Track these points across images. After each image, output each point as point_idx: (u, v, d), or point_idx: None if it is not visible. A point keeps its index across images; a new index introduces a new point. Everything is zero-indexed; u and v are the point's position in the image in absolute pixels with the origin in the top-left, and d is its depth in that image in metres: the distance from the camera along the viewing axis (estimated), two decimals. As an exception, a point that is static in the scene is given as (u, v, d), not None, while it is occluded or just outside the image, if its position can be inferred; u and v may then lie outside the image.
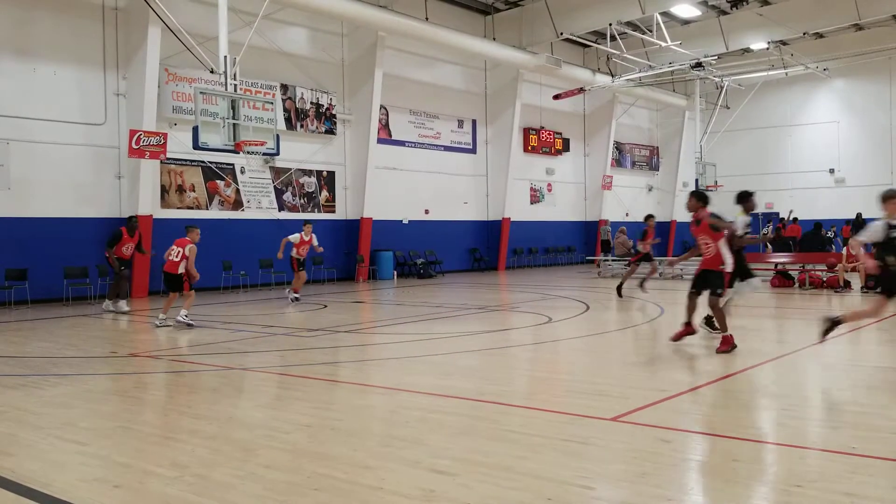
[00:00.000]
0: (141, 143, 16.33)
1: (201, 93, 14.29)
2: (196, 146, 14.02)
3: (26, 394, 6.94)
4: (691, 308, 8.86)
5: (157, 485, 4.29)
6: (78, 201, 16.47)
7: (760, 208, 32.89)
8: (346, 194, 22.16)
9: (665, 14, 24.56)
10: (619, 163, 32.97)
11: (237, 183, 19.64)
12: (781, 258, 19.43)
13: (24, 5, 15.72)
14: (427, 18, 21.07)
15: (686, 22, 26.85)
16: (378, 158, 22.17)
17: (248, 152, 14.70)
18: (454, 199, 25.58)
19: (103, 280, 16.38)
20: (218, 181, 19.19)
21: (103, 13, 16.88)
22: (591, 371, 8.09)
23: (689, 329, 8.85)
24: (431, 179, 24.68)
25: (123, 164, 17.01)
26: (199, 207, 18.71)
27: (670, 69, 26.81)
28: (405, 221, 23.95)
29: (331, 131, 21.50)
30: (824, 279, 16.82)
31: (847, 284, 15.95)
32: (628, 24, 24.51)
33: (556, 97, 27.92)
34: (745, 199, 9.83)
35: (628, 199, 33.40)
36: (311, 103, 20.94)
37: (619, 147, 32.83)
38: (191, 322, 11.43)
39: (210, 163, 18.76)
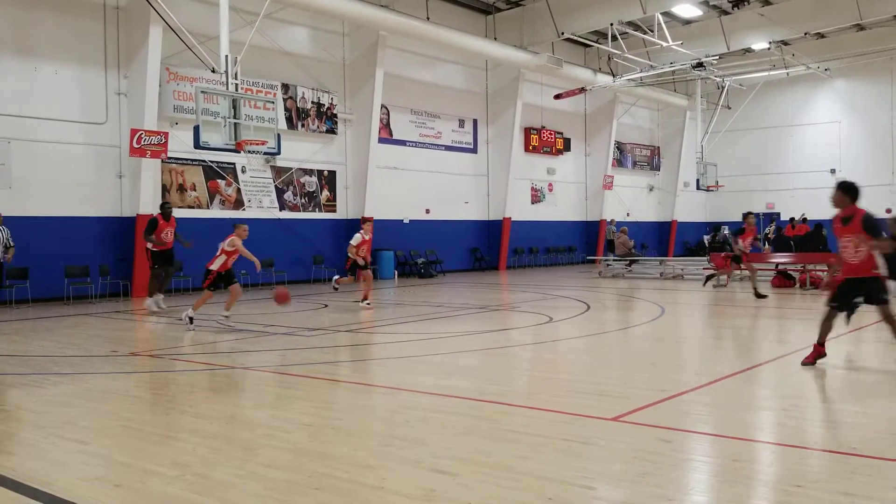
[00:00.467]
0: (142, 143, 16.34)
1: (202, 92, 14.30)
2: (197, 145, 14.02)
3: (27, 393, 6.94)
4: (828, 327, 7.41)
5: (157, 484, 4.29)
6: (79, 200, 16.48)
7: (761, 209, 32.96)
8: (346, 194, 22.17)
9: (666, 14, 24.57)
10: (620, 163, 32.96)
11: (238, 182, 19.65)
12: (782, 258, 19.44)
13: (25, 4, 15.73)
14: (428, 18, 21.08)
15: (687, 22, 26.84)
16: (379, 158, 22.17)
17: (249, 151, 14.70)
18: (455, 198, 25.59)
19: (104, 279, 16.41)
20: (219, 180, 19.20)
21: (104, 12, 16.89)
22: (592, 371, 8.09)
23: (821, 350, 7.42)
24: (432, 179, 24.69)
25: (124, 163, 17.03)
26: (199, 207, 18.72)
27: (671, 69, 26.79)
28: (406, 221, 23.96)
29: (332, 131, 21.51)
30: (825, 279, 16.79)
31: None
32: (629, 23, 24.50)
33: (558, 97, 27.91)
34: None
35: (629, 199, 33.40)
36: (313, 103, 20.95)
37: (620, 147, 32.82)
38: (192, 317, 11.22)
39: (211, 162, 18.77)
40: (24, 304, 15.18)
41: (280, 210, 20.47)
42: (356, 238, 14.03)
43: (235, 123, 14.01)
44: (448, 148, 25.38)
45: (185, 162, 18.33)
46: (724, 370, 7.54)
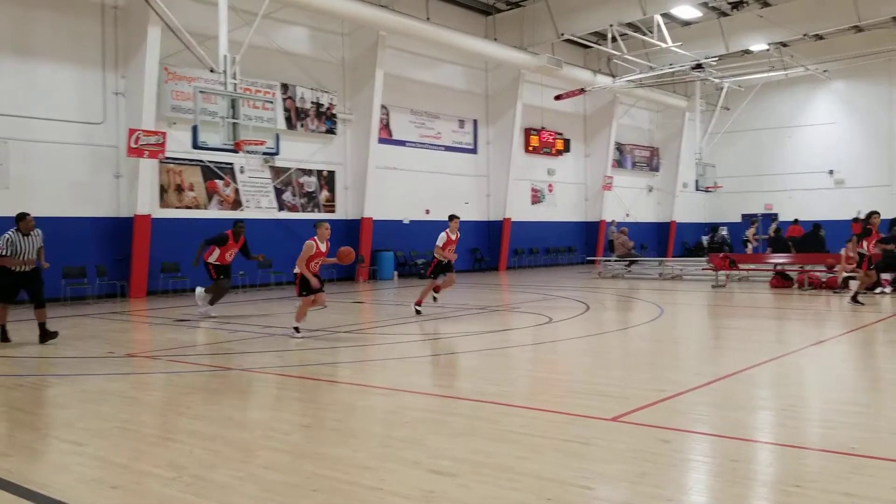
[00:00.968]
0: (140, 143, 16.30)
1: (201, 92, 14.29)
2: (195, 145, 14.00)
3: (24, 394, 6.92)
4: None
5: (155, 485, 4.27)
6: (76, 200, 16.44)
7: (759, 209, 33.00)
8: (346, 194, 22.15)
9: (666, 15, 24.57)
10: (619, 163, 32.96)
11: (236, 182, 19.62)
12: (780, 259, 19.45)
13: (23, 4, 15.70)
14: (428, 18, 21.08)
15: (686, 23, 26.86)
16: (379, 158, 22.15)
17: (248, 152, 14.69)
18: (455, 199, 25.53)
19: (101, 280, 16.38)
20: (217, 181, 19.17)
21: (102, 12, 16.87)
22: (592, 371, 8.08)
23: None
24: (432, 179, 24.68)
25: (122, 163, 17.00)
26: (197, 207, 18.69)
27: (671, 70, 26.81)
28: (406, 221, 23.94)
29: (331, 131, 21.49)
30: (823, 280, 16.82)
31: (846, 285, 15.94)
32: (629, 25, 24.53)
33: (558, 98, 27.91)
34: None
35: (628, 200, 33.40)
36: (312, 103, 20.93)
37: (619, 148, 32.83)
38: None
39: (209, 162, 18.74)
40: (21, 305, 15.11)
41: (279, 210, 20.44)
42: (441, 238, 12.85)
43: (234, 123, 14.00)
44: (448, 148, 25.38)
45: (182, 162, 18.30)
46: (723, 370, 7.53)
